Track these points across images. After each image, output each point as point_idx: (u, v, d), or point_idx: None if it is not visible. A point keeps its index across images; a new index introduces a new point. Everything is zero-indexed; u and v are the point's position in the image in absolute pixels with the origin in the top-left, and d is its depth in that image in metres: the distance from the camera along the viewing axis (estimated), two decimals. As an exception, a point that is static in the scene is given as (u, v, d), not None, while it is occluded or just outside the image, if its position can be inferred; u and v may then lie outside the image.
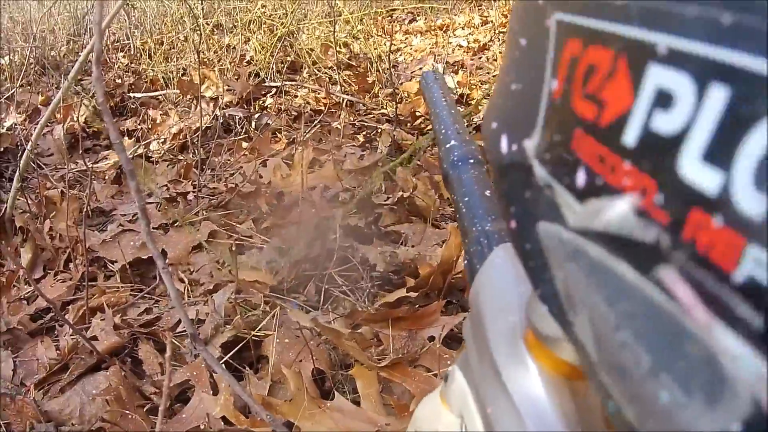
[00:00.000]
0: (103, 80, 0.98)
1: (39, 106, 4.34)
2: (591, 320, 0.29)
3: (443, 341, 1.76)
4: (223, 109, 3.36)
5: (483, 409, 0.48)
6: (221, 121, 3.36)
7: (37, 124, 4.06)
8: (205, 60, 4.37)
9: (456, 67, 5.21)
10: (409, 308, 1.81)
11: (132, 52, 5.44)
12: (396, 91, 3.53)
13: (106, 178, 3.09)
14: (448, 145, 0.76)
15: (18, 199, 2.63)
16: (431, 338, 1.76)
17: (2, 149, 3.54)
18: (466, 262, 0.61)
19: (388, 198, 2.43)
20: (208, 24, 5.05)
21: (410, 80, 4.82)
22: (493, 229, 0.62)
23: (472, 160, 0.73)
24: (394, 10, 7.95)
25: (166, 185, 2.84)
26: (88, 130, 3.72)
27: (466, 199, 0.68)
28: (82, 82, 4.91)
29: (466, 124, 0.90)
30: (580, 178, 0.29)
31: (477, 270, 0.56)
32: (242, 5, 5.50)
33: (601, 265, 0.28)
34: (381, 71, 4.58)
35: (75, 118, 3.78)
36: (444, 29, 6.68)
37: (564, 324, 0.33)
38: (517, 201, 0.35)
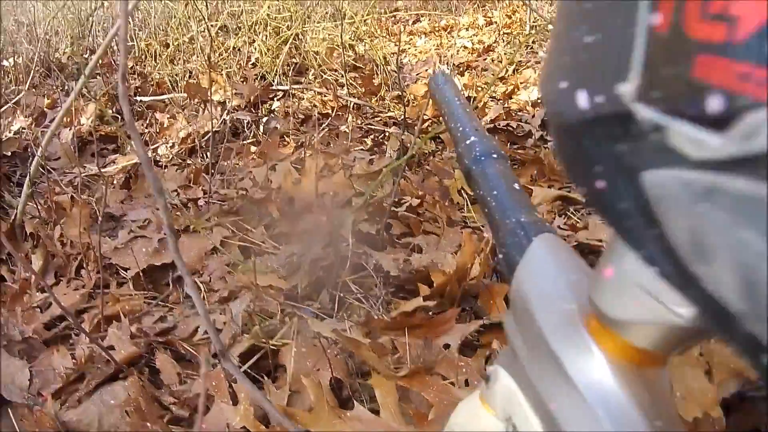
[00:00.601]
0: (128, 96, 0.98)
1: (45, 109, 4.35)
2: (737, 263, 0.27)
3: (458, 350, 1.76)
4: (231, 113, 3.36)
5: (543, 406, 0.46)
6: (229, 125, 3.36)
7: (44, 127, 4.08)
8: (212, 63, 4.37)
9: (461, 69, 5.22)
10: (425, 316, 1.82)
11: (137, 54, 5.44)
12: (403, 93, 3.53)
13: (115, 182, 3.09)
14: (468, 141, 0.76)
15: (27, 204, 2.64)
16: (446, 346, 1.77)
17: (9, 153, 3.54)
18: (501, 256, 0.60)
19: (400, 202, 2.44)
20: (213, 26, 5.06)
21: (416, 82, 4.83)
22: (529, 220, 0.61)
23: (495, 155, 0.73)
24: (398, 10, 7.96)
25: (176, 190, 2.84)
26: (95, 133, 3.72)
27: (495, 192, 0.67)
28: (88, 84, 4.93)
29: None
30: (713, 104, 0.27)
31: (517, 262, 0.56)
32: (247, 7, 5.50)
33: (753, 195, 0.26)
34: (387, 73, 4.58)
35: (82, 122, 3.78)
36: (448, 30, 6.69)
37: (683, 282, 0.32)
38: (604, 158, 0.34)
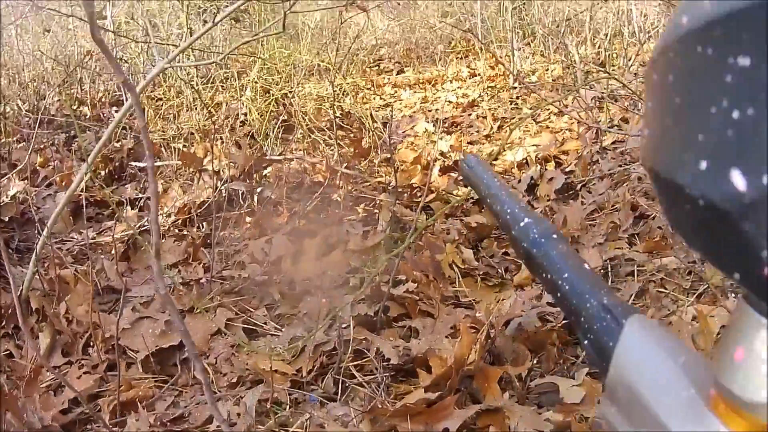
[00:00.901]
0: (159, 225, 1.08)
1: (38, 167, 4.42)
2: None
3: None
4: (225, 183, 3.46)
5: None
6: (225, 194, 3.47)
7: (37, 186, 4.16)
8: (203, 128, 4.48)
9: (447, 125, 5.33)
10: (425, 402, 1.93)
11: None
12: (392, 157, 3.64)
13: (114, 252, 3.18)
14: (522, 224, 0.72)
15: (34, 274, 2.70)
16: (445, 430, 1.88)
17: (7, 219, 3.59)
18: (586, 342, 0.58)
19: (396, 281, 2.54)
20: (204, 89, 5.17)
21: (402, 141, 4.95)
22: (613, 302, 0.58)
23: (555, 236, 0.69)
24: (382, 59, 8.09)
25: (177, 266, 2.93)
26: (90, 198, 3.80)
27: (566, 275, 0.65)
28: (76, 139, 5.00)
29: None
30: None
31: (610, 347, 0.53)
32: (237, 65, 5.61)
33: None
34: (375, 132, 4.69)
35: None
36: (432, 83, 6.81)
37: None
38: None
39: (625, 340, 0.52)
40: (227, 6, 4.91)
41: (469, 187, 0.91)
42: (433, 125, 5.06)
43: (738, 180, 0.31)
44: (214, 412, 1.49)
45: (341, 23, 4.09)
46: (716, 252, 0.36)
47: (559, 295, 0.64)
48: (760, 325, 0.37)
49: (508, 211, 0.76)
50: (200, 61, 4.03)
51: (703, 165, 0.33)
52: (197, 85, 5.06)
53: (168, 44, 4.80)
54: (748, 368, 0.38)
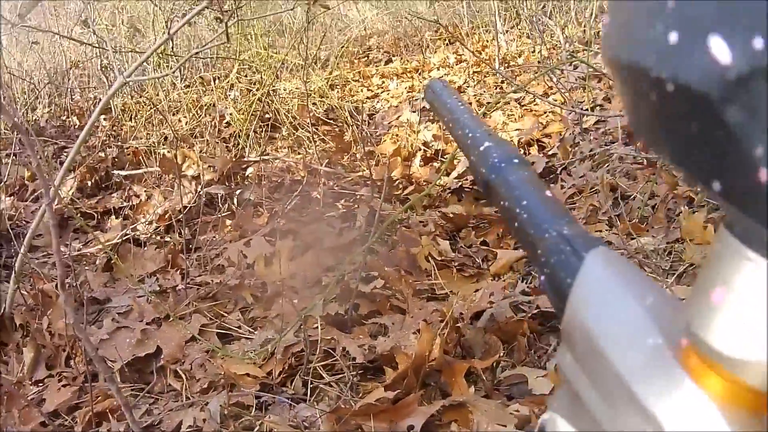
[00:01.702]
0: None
1: (26, 181, 4.45)
2: None
3: (422, 430, 1.90)
4: (205, 187, 3.49)
5: None
6: (204, 198, 3.50)
7: (25, 201, 4.20)
8: (183, 134, 4.51)
9: (432, 113, 5.32)
10: (389, 399, 1.96)
11: (113, 115, 5.54)
12: (374, 150, 3.67)
13: (97, 263, 3.21)
14: (482, 148, 0.66)
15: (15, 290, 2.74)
16: (410, 427, 1.90)
17: (-5, 234, 3.63)
18: (542, 277, 0.51)
19: (367, 278, 2.57)
20: (187, 89, 5.19)
21: (388, 130, 4.96)
22: (574, 232, 0.51)
23: (516, 160, 0.63)
24: (370, 49, 8.10)
25: (155, 275, 2.97)
26: (75, 210, 3.83)
27: (525, 203, 0.58)
28: (66, 150, 5.03)
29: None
30: None
31: (568, 284, 0.47)
32: (218, 68, 5.64)
33: None
34: (358, 126, 4.70)
35: (61, 195, 3.90)
36: (419, 71, 6.81)
37: None
38: None
39: (584, 276, 0.46)
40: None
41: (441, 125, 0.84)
42: (418, 115, 5.07)
43: (720, 50, 0.25)
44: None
45: (308, 22, 4.08)
46: (690, 155, 0.29)
47: (516, 225, 0.58)
48: (744, 258, 0.30)
49: (470, 135, 0.70)
50: (159, 74, 4.03)
51: (673, 37, 0.27)
52: (181, 88, 5.08)
53: (133, 51, 4.82)
54: (728, 313, 0.31)
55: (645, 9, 0.29)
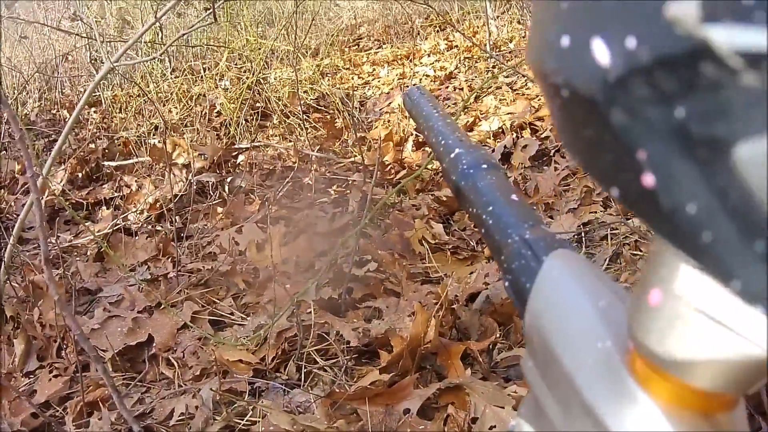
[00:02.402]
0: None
1: (16, 175, 4.43)
2: None
3: (418, 412, 1.87)
4: (195, 175, 3.46)
5: None
6: (195, 186, 3.47)
7: (15, 195, 4.17)
8: (174, 123, 4.48)
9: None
10: (384, 383, 1.93)
11: (103, 106, 5.51)
12: (365, 136, 3.64)
13: (89, 253, 3.19)
14: (453, 155, 0.66)
15: (5, 282, 2.72)
16: (407, 410, 1.88)
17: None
18: (506, 283, 0.50)
19: (361, 261, 2.54)
20: (177, 78, 5.16)
21: (380, 117, 4.93)
22: (536, 236, 0.51)
23: (485, 166, 0.63)
24: (361, 38, 8.07)
25: (147, 263, 2.94)
26: (66, 201, 3.80)
27: (491, 208, 0.57)
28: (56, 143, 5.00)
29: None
30: None
31: (527, 289, 0.46)
32: (209, 58, 5.61)
33: None
34: (350, 113, 4.68)
35: (52, 187, 3.87)
36: (410, 58, 6.78)
37: None
38: (655, 134, 0.23)
39: (541, 280, 0.46)
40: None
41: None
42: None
43: (600, 52, 0.24)
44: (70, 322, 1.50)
45: (296, 8, 4.05)
46: (591, 161, 0.28)
47: (483, 231, 0.58)
48: (678, 259, 0.29)
49: (442, 142, 0.70)
50: (147, 57, 4.00)
51: (565, 41, 0.26)
52: (171, 78, 5.05)
53: (121, 40, 4.78)
54: (666, 316, 0.31)
55: (545, 12, 0.28)
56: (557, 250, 0.48)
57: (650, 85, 0.22)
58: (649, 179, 0.24)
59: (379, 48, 7.62)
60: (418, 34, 7.61)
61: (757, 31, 0.19)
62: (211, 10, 2.16)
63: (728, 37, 0.19)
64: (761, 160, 0.20)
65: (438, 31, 7.54)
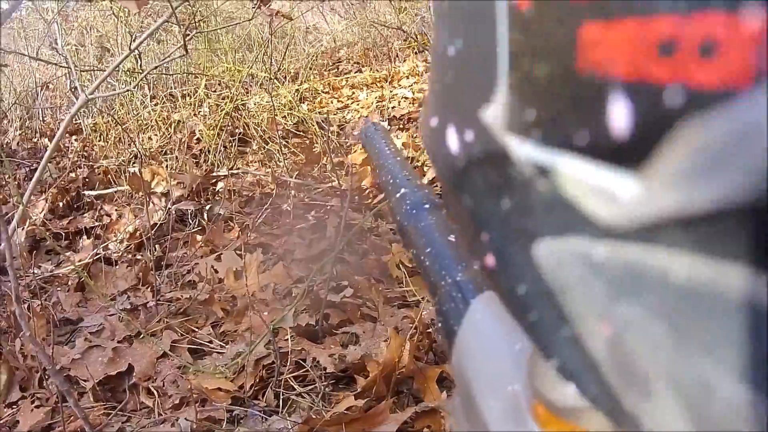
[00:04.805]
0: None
1: (-2, 204, 4.43)
2: (684, 401, 0.18)
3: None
4: (174, 203, 3.49)
5: None
6: (174, 215, 3.50)
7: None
8: (152, 153, 4.51)
9: (403, 122, 5.34)
10: (361, 408, 1.97)
11: (84, 134, 5.52)
12: (344, 161, 3.68)
13: (70, 283, 3.20)
14: (398, 194, 0.65)
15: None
16: (384, 434, 1.92)
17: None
18: (439, 325, 0.50)
19: (339, 287, 2.57)
20: (154, 110, 5.19)
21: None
22: (466, 278, 0.50)
23: (427, 206, 0.61)
24: (340, 61, 8.11)
25: (127, 293, 2.97)
26: (46, 231, 3.82)
27: (428, 250, 0.56)
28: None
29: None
30: (620, 115, 0.17)
31: (455, 332, 0.45)
32: (188, 84, 5.64)
33: (709, 289, 0.16)
34: (327, 138, 4.71)
35: (33, 217, 3.89)
36: (389, 80, 6.81)
37: (618, 415, 0.22)
38: (491, 220, 0.24)
39: (466, 323, 0.45)
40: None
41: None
42: (387, 124, 5.08)
43: (452, 140, 0.25)
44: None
45: (271, 34, 4.09)
46: (464, 240, 0.28)
47: (422, 271, 0.57)
48: None
49: (391, 180, 0.69)
50: (123, 89, 4.03)
51: (434, 122, 0.26)
52: (150, 106, 5.08)
53: (98, 69, 4.81)
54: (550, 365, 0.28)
55: (429, 87, 0.29)
56: (485, 292, 0.46)
57: (483, 177, 0.24)
58: (490, 260, 0.25)
59: (358, 71, 7.64)
60: (397, 56, 7.65)
61: (536, 146, 0.20)
62: (182, 44, 2.20)
63: (520, 147, 0.21)
64: (553, 261, 0.21)
65: (416, 53, 7.57)
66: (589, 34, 0.17)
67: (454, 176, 0.25)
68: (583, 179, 0.19)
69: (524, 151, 0.21)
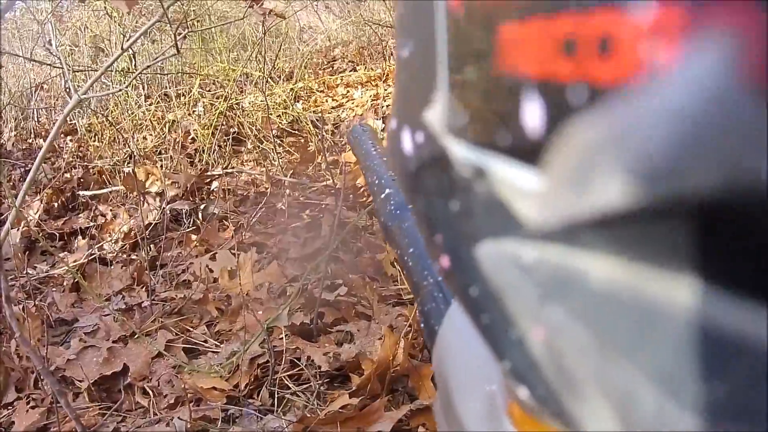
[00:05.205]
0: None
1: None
2: (612, 405, 0.17)
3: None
4: (169, 203, 3.49)
5: None
6: (168, 215, 3.49)
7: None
8: (146, 152, 4.51)
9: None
10: (356, 406, 1.97)
11: (79, 134, 5.51)
12: (338, 159, 3.67)
13: (65, 284, 3.20)
14: (383, 195, 0.65)
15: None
16: (379, 433, 1.92)
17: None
18: (422, 325, 0.51)
19: (333, 285, 2.57)
20: (149, 110, 5.18)
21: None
22: None
23: (411, 206, 0.53)
24: (335, 60, 8.10)
25: (121, 293, 2.97)
26: (41, 232, 3.81)
27: (411, 250, 0.57)
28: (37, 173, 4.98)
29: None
30: (533, 115, 0.17)
31: (436, 332, 0.45)
32: (182, 84, 5.63)
33: (626, 289, 0.16)
34: (322, 137, 4.70)
35: (29, 217, 3.89)
36: (384, 78, 6.81)
37: (559, 415, 0.22)
38: (442, 223, 0.24)
39: (446, 323, 0.45)
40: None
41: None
42: (382, 122, 5.08)
43: (406, 141, 0.25)
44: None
45: (264, 33, 4.09)
46: (425, 235, 0.27)
47: (405, 273, 0.58)
48: None
49: (376, 181, 0.69)
50: (116, 89, 4.03)
51: (393, 124, 0.26)
52: (145, 106, 5.07)
53: (91, 69, 4.81)
54: None
55: (394, 86, 0.28)
56: None
57: (433, 179, 0.24)
58: (445, 261, 0.25)
59: (352, 70, 7.63)
60: (391, 55, 7.64)
61: (470, 147, 0.21)
62: (173, 43, 2.19)
63: (457, 149, 0.21)
64: (492, 263, 0.21)
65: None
66: (507, 35, 0.17)
67: (408, 178, 0.25)
68: (509, 180, 0.19)
69: (461, 152, 0.21)
